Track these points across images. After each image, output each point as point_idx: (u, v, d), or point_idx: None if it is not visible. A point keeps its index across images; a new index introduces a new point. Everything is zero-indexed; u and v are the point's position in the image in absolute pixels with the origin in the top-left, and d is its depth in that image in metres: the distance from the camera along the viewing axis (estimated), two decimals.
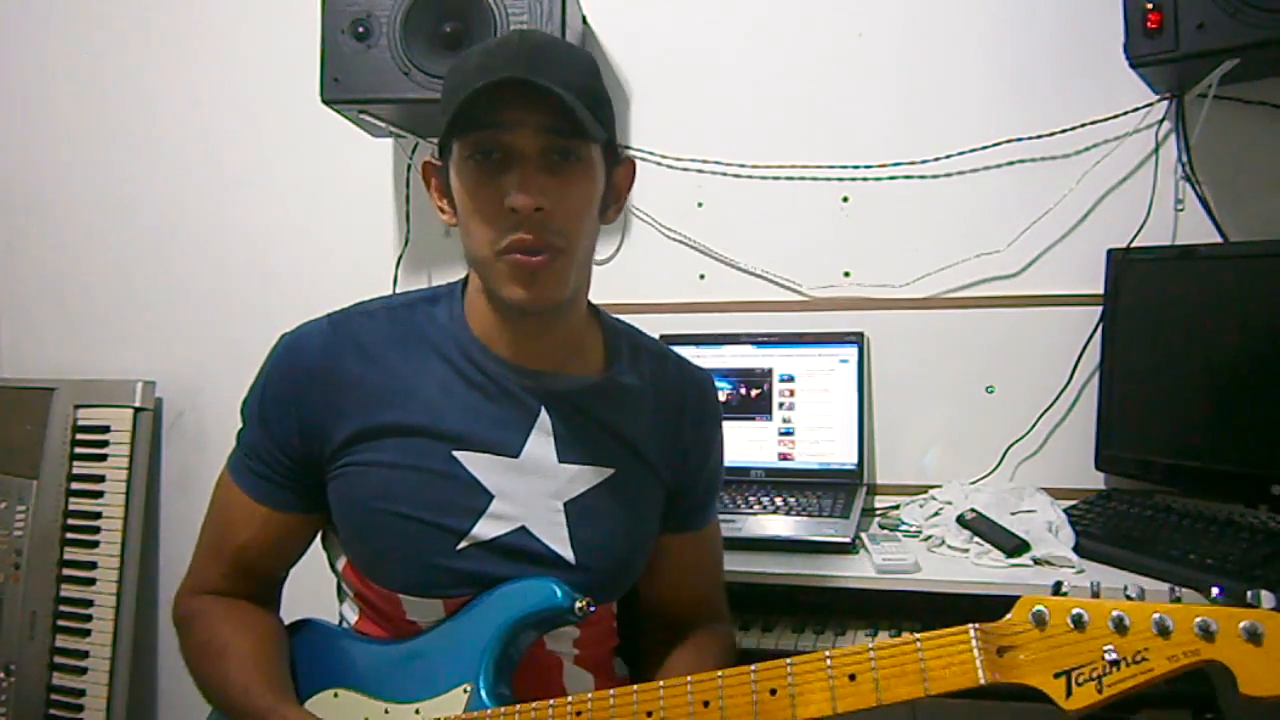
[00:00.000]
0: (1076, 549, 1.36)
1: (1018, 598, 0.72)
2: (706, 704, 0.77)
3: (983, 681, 0.68)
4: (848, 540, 1.41)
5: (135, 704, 2.03)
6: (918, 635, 0.71)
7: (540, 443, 0.97)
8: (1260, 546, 1.25)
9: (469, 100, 0.85)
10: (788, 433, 1.73)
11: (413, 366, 0.97)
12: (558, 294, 0.91)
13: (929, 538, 1.48)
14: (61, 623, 1.97)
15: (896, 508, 1.64)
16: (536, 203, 0.87)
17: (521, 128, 0.87)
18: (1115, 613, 0.66)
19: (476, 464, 0.95)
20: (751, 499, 1.57)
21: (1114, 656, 0.65)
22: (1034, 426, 1.69)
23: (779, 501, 1.56)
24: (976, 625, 0.70)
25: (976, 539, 1.41)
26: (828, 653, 0.74)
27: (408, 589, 0.95)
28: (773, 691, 0.75)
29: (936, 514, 1.55)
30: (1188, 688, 1.15)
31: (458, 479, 0.94)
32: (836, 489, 1.62)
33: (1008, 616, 0.70)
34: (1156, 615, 0.65)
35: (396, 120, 1.79)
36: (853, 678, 0.73)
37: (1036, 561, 1.34)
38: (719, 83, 1.84)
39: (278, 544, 1.01)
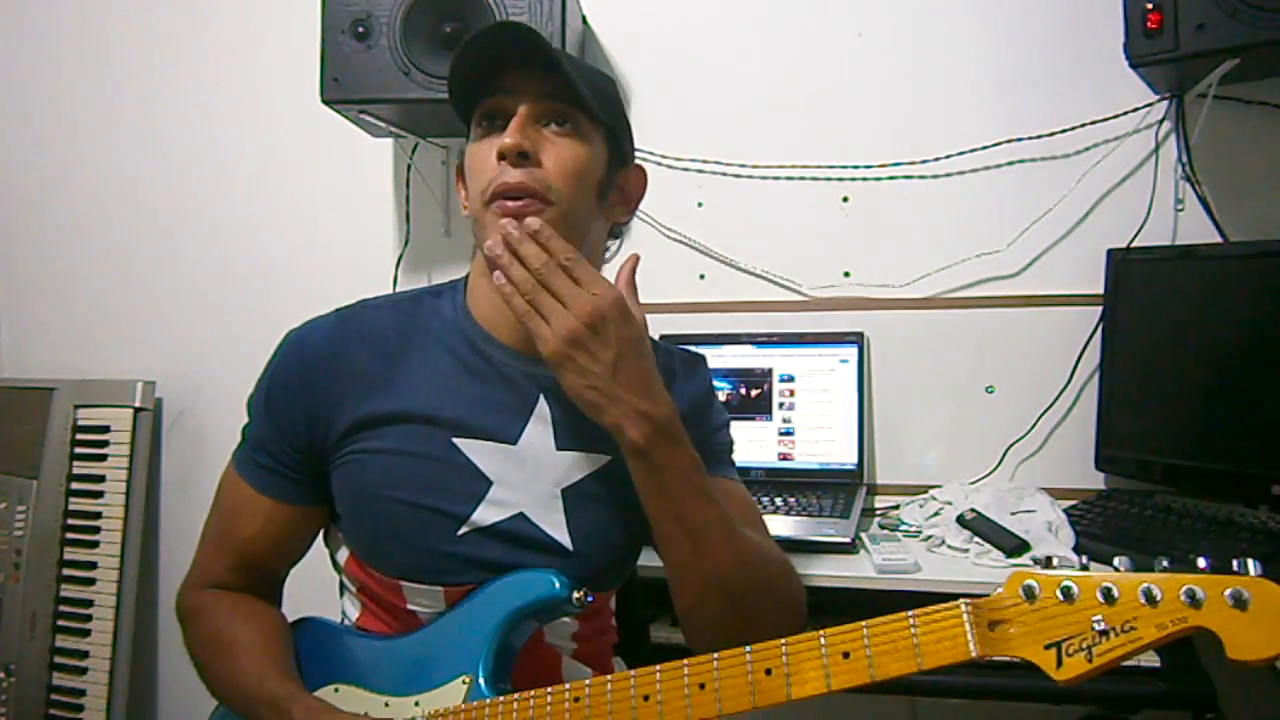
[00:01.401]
0: (1076, 549, 1.36)
1: None
2: (703, 686, 0.77)
3: (974, 655, 0.69)
4: (848, 540, 1.42)
5: (135, 704, 2.03)
6: (910, 612, 0.72)
7: (538, 430, 0.98)
8: (1260, 546, 1.25)
9: (470, 68, 0.92)
10: (788, 433, 1.73)
11: (416, 356, 0.98)
12: None
13: (929, 538, 1.48)
14: (61, 623, 1.97)
15: (896, 508, 1.64)
16: (520, 145, 0.91)
17: (521, 93, 0.93)
18: (1103, 584, 0.67)
19: (475, 450, 0.96)
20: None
21: (1103, 626, 0.66)
22: (1034, 426, 1.69)
23: (779, 501, 1.56)
24: (968, 600, 0.71)
25: (976, 539, 1.41)
26: (821, 632, 0.75)
27: (410, 575, 0.96)
28: (768, 671, 0.75)
29: (936, 514, 1.55)
30: (1188, 689, 1.17)
31: (457, 465, 0.95)
32: (836, 489, 1.62)
33: (998, 591, 0.71)
34: (1144, 585, 0.66)
35: (396, 120, 1.79)
36: (846, 655, 0.73)
37: (1036, 561, 1.34)
38: (719, 83, 1.84)
39: (282, 538, 1.01)
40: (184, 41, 2.09)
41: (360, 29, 1.62)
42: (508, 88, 0.94)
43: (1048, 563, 0.71)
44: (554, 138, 0.94)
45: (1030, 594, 0.69)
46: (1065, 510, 1.46)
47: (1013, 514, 1.46)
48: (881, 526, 1.59)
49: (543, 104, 0.93)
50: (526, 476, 0.97)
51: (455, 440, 0.95)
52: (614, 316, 0.87)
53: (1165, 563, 0.67)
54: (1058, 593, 0.68)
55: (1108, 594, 0.66)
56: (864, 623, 0.73)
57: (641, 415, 0.87)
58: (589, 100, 0.93)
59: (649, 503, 0.91)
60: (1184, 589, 0.64)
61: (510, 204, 0.90)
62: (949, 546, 1.44)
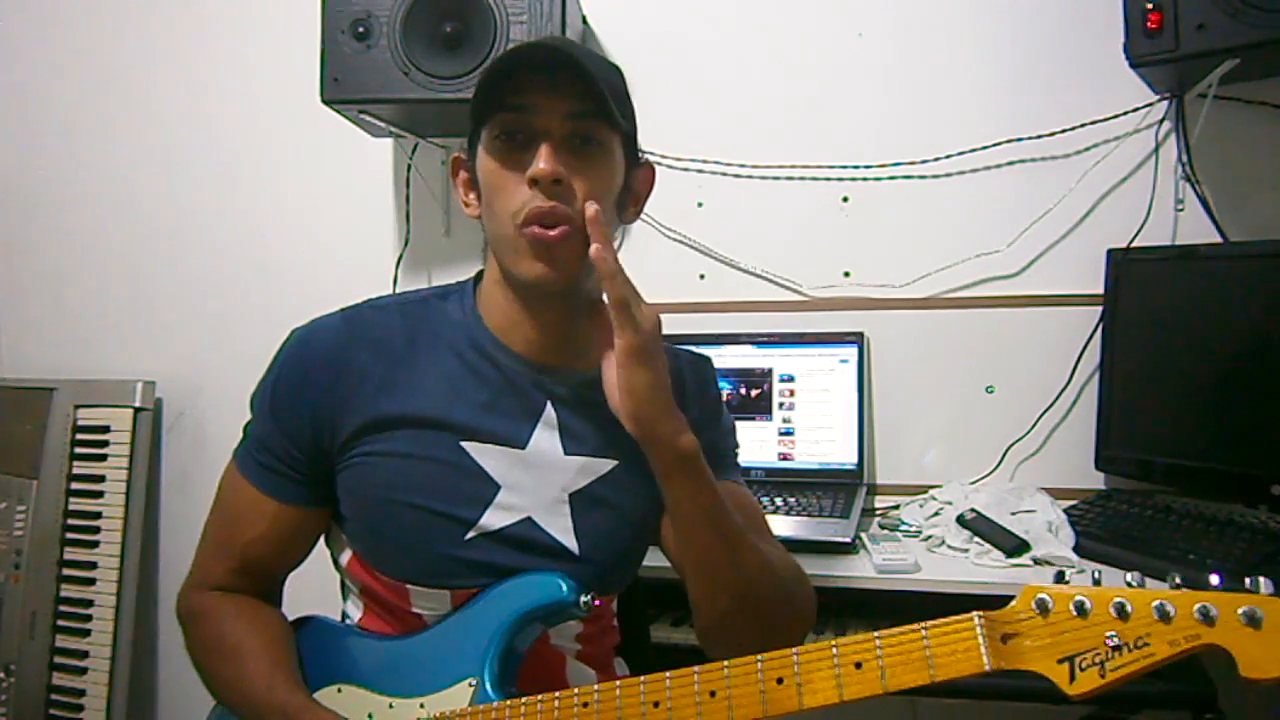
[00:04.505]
0: (1076, 549, 1.36)
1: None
2: (713, 694, 0.77)
3: (988, 668, 0.69)
4: (848, 540, 1.42)
5: (135, 704, 2.03)
6: (923, 624, 0.72)
7: (546, 435, 0.98)
8: (1260, 546, 1.25)
9: (499, 73, 0.90)
10: (788, 433, 1.73)
11: (423, 359, 0.98)
12: (573, 270, 0.92)
13: (929, 538, 1.48)
14: (61, 623, 1.97)
15: (896, 508, 1.64)
16: (556, 173, 0.89)
17: (548, 112, 0.91)
18: (1117, 599, 0.67)
19: (484, 455, 0.96)
20: None
21: (1116, 642, 0.66)
22: (1034, 426, 1.69)
23: (779, 501, 1.56)
24: (981, 613, 0.71)
25: (976, 539, 1.41)
26: (833, 641, 0.75)
27: (416, 579, 0.95)
28: (779, 680, 0.75)
29: (936, 514, 1.55)
30: (1188, 689, 1.17)
31: (465, 469, 0.95)
32: (836, 489, 1.62)
33: (1012, 604, 0.71)
34: (1157, 602, 0.66)
35: (396, 120, 1.79)
36: (859, 665, 0.73)
37: (1036, 561, 1.34)
38: (719, 83, 1.84)
39: (285, 540, 1.00)
40: (184, 41, 2.09)
41: (360, 29, 1.62)
42: (535, 106, 0.91)
43: (1060, 577, 0.71)
44: (585, 160, 0.92)
45: (1044, 608, 0.69)
46: (1065, 510, 1.46)
47: (1013, 514, 1.46)
48: (881, 526, 1.59)
49: (569, 123, 0.91)
50: (534, 481, 0.97)
51: (463, 444, 0.95)
52: (660, 332, 0.91)
53: (1178, 579, 0.67)
54: (1071, 607, 0.68)
55: (1121, 610, 0.67)
56: (876, 633, 0.73)
57: (686, 423, 0.90)
58: (618, 117, 0.92)
59: (690, 512, 0.91)
60: (1197, 606, 0.64)
61: (546, 233, 0.90)
62: (949, 546, 1.44)
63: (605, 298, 0.88)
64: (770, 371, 1.75)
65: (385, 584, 0.97)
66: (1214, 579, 0.66)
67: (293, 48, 1.93)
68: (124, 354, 2.14)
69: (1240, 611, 0.63)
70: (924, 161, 1.74)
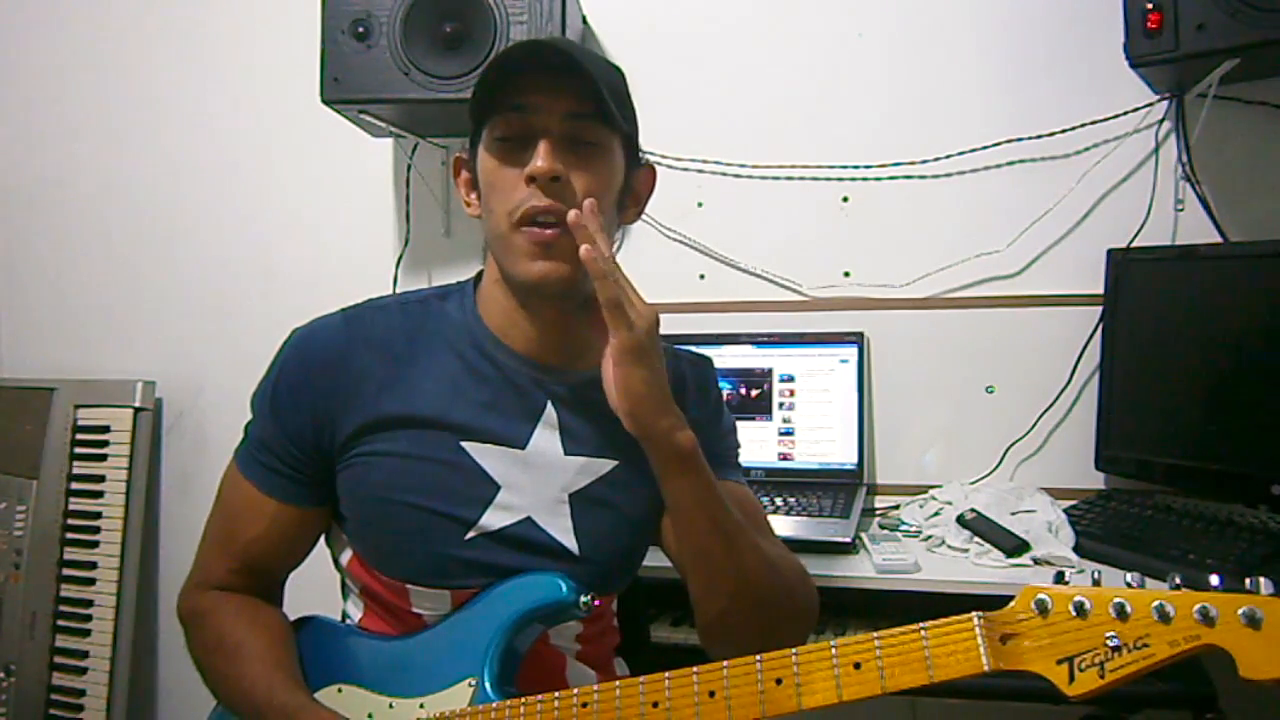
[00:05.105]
0: (1076, 549, 1.36)
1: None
2: (712, 694, 0.77)
3: (987, 669, 0.69)
4: (848, 540, 1.42)
5: (135, 704, 2.03)
6: (922, 624, 0.72)
7: (546, 435, 0.98)
8: (1260, 546, 1.25)
9: (499, 72, 0.90)
10: (788, 433, 1.73)
11: (423, 359, 0.98)
12: (572, 268, 0.92)
13: (929, 538, 1.48)
14: (61, 623, 1.97)
15: (896, 508, 1.64)
16: (554, 170, 0.90)
17: (547, 112, 0.91)
18: (1116, 600, 0.67)
19: (484, 455, 0.96)
20: None
21: (1116, 643, 0.66)
22: (1034, 426, 1.69)
23: (779, 501, 1.56)
24: (980, 613, 0.71)
25: (976, 539, 1.41)
26: (832, 642, 0.75)
27: (416, 579, 0.96)
28: (778, 681, 0.76)
29: (936, 514, 1.55)
30: (1188, 689, 1.17)
31: (466, 469, 0.95)
32: (836, 489, 1.62)
33: (1011, 605, 0.71)
34: (1157, 602, 0.66)
35: (396, 120, 1.79)
36: (858, 666, 0.73)
37: (1036, 561, 1.34)
38: (719, 83, 1.84)
39: (285, 539, 1.01)
40: (184, 41, 2.09)
41: (360, 29, 1.62)
42: (534, 105, 0.91)
43: (1060, 577, 0.70)
44: (583, 159, 0.93)
45: (1043, 608, 0.69)
46: (1065, 510, 1.46)
47: (1013, 514, 1.46)
48: (881, 526, 1.59)
49: (568, 122, 0.92)
50: (534, 481, 0.97)
51: (463, 444, 0.96)
52: (656, 330, 0.91)
53: (1178, 579, 0.67)
54: (1070, 608, 0.68)
55: (1121, 610, 0.67)
56: (875, 634, 0.73)
57: (683, 420, 0.91)
58: (616, 117, 0.92)
59: (689, 508, 0.92)
60: (1197, 607, 0.64)
61: (543, 232, 0.90)
62: (949, 546, 1.44)
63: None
64: (770, 371, 1.75)
65: (385, 584, 0.97)
66: (1214, 579, 0.66)
67: (293, 48, 1.93)
68: (124, 354, 2.14)
69: (1240, 612, 0.63)
70: (924, 161, 1.74)
